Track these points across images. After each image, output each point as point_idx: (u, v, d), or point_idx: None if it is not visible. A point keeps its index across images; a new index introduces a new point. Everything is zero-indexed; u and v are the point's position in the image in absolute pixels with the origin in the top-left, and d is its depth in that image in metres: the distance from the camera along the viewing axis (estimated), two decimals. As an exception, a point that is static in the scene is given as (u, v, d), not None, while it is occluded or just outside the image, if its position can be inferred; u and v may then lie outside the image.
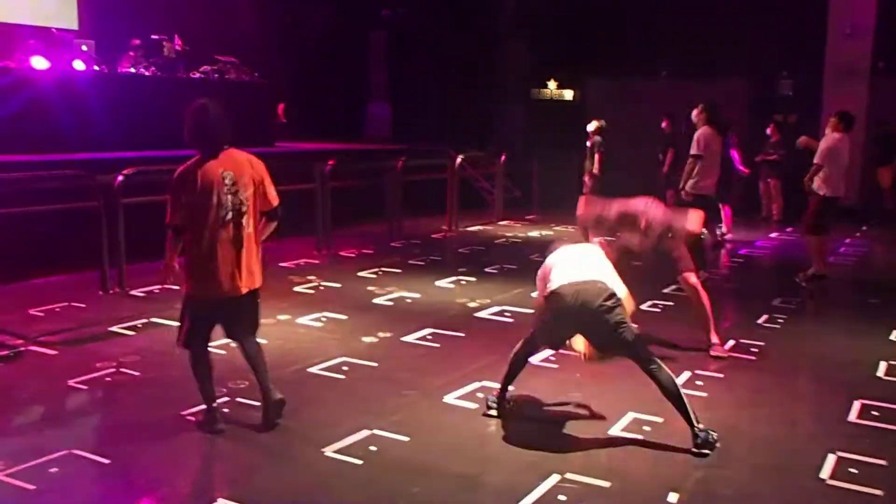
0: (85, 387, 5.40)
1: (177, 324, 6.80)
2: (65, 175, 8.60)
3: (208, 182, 4.44)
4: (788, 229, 13.15)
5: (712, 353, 6.25)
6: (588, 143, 12.99)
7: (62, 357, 6.02)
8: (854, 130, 9.11)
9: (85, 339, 6.46)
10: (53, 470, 4.15)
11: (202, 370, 4.72)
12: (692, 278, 6.34)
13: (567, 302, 4.51)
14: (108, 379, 5.55)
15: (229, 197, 4.47)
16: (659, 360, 4.56)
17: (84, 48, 12.15)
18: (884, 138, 15.04)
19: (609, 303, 4.51)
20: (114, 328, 6.75)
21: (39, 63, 11.33)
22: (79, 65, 11.91)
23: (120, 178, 8.08)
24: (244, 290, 4.57)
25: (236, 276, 4.52)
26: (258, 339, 4.85)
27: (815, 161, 8.82)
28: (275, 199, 4.70)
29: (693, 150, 8.78)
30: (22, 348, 6.17)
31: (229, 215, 4.47)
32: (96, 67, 12.15)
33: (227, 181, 4.47)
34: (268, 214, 4.71)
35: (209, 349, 4.78)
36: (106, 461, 4.30)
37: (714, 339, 6.31)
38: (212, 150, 4.52)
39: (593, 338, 4.72)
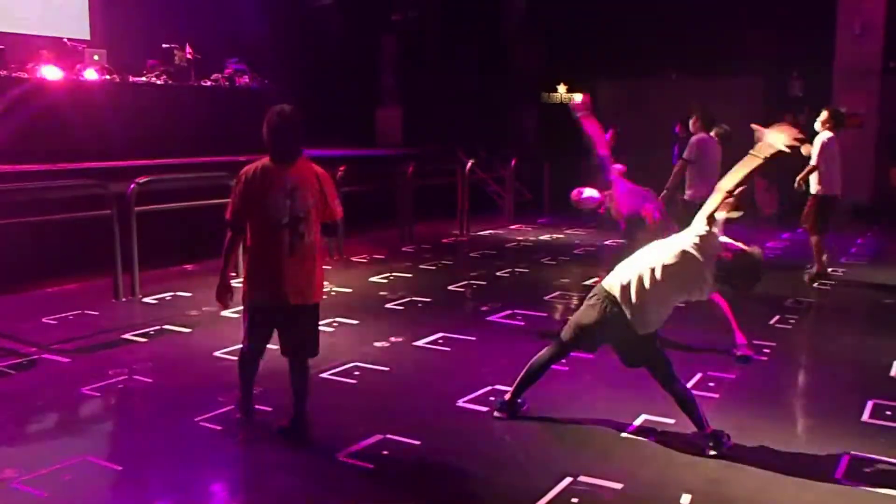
0: (98, 394, 5.42)
1: (189, 330, 6.92)
2: (77, 184, 8.65)
3: (268, 184, 4.43)
4: (799, 230, 13.07)
5: (740, 353, 6.22)
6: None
7: (75, 364, 6.05)
8: (866, 129, 9.15)
9: (98, 347, 6.49)
10: (67, 477, 4.17)
11: (247, 374, 4.75)
12: None
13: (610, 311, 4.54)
14: (120, 386, 5.57)
15: (287, 202, 4.42)
16: (673, 371, 4.57)
17: (96, 57, 12.24)
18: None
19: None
20: (126, 335, 6.77)
21: (52, 73, 11.42)
22: (91, 74, 12.00)
23: (132, 186, 8.12)
24: (298, 301, 4.48)
25: (289, 283, 4.45)
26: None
27: (813, 162, 8.89)
28: (336, 214, 4.64)
29: (685, 154, 8.76)
30: (35, 356, 6.20)
31: (286, 219, 4.43)
32: (108, 76, 12.24)
33: (287, 186, 4.44)
34: (324, 228, 4.64)
35: (261, 356, 4.74)
36: (119, 468, 4.32)
37: (740, 340, 6.29)
38: (283, 156, 4.50)
39: (619, 347, 4.72)
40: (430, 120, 17.37)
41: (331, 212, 4.62)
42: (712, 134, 8.66)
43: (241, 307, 4.73)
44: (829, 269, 9.59)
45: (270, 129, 4.49)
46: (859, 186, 15.80)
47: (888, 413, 5.10)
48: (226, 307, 4.76)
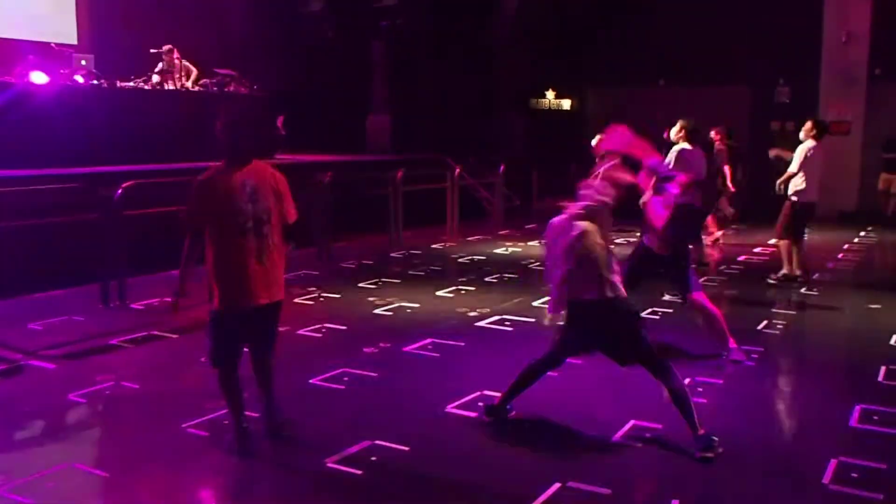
0: (84, 400, 5.39)
1: (176, 336, 6.89)
2: (65, 188, 8.61)
3: (229, 190, 4.41)
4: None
5: (732, 358, 6.26)
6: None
7: (62, 371, 6.02)
8: (852, 136, 9.26)
9: (85, 353, 6.46)
10: (52, 484, 4.14)
11: (230, 390, 4.58)
12: (700, 297, 6.36)
13: (595, 317, 4.60)
14: (107, 392, 5.54)
15: (249, 206, 4.42)
16: (670, 366, 4.58)
17: (83, 63, 12.20)
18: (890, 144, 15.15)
19: (627, 314, 4.59)
20: (114, 341, 6.74)
21: (39, 78, 11.37)
22: (78, 79, 11.96)
23: (120, 191, 8.08)
24: (265, 301, 4.49)
25: (258, 285, 4.45)
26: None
27: (793, 169, 9.03)
28: (291, 216, 4.63)
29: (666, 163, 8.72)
30: (22, 362, 6.16)
31: (249, 223, 4.42)
32: (95, 81, 12.20)
33: (247, 189, 4.42)
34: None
35: (237, 369, 4.61)
36: (105, 475, 4.30)
37: (732, 344, 6.32)
38: (239, 159, 4.49)
39: (610, 348, 4.74)
40: (420, 126, 17.39)
41: (285, 214, 4.60)
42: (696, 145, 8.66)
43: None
44: (816, 276, 9.65)
45: (229, 132, 4.48)
46: (846, 192, 15.93)
47: (875, 418, 5.11)
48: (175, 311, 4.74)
